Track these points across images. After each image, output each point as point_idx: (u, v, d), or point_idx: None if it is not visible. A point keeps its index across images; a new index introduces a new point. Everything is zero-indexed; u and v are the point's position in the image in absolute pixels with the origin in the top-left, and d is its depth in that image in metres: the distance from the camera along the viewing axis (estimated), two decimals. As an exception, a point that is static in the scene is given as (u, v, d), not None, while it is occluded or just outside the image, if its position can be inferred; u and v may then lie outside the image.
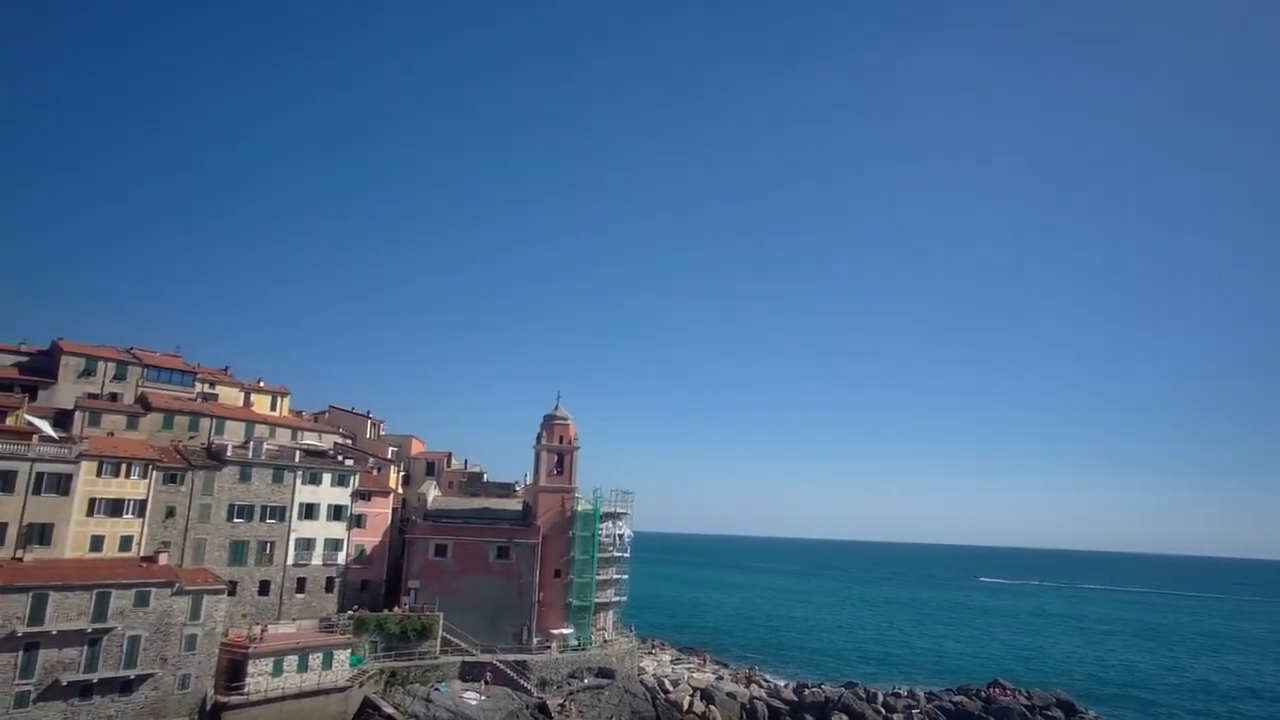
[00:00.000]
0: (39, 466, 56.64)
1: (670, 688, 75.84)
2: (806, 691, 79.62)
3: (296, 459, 72.55)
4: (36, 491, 56.22)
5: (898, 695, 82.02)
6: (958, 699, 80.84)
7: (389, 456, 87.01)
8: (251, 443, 71.10)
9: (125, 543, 59.95)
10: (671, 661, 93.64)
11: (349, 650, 62.24)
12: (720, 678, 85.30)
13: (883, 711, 76.36)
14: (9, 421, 60.79)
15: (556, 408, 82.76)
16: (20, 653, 47.54)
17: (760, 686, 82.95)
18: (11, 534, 55.05)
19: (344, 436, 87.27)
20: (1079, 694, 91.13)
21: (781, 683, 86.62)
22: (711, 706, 72.70)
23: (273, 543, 69.12)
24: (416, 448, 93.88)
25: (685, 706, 72.07)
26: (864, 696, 79.07)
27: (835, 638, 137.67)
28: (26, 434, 58.52)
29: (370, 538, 75.64)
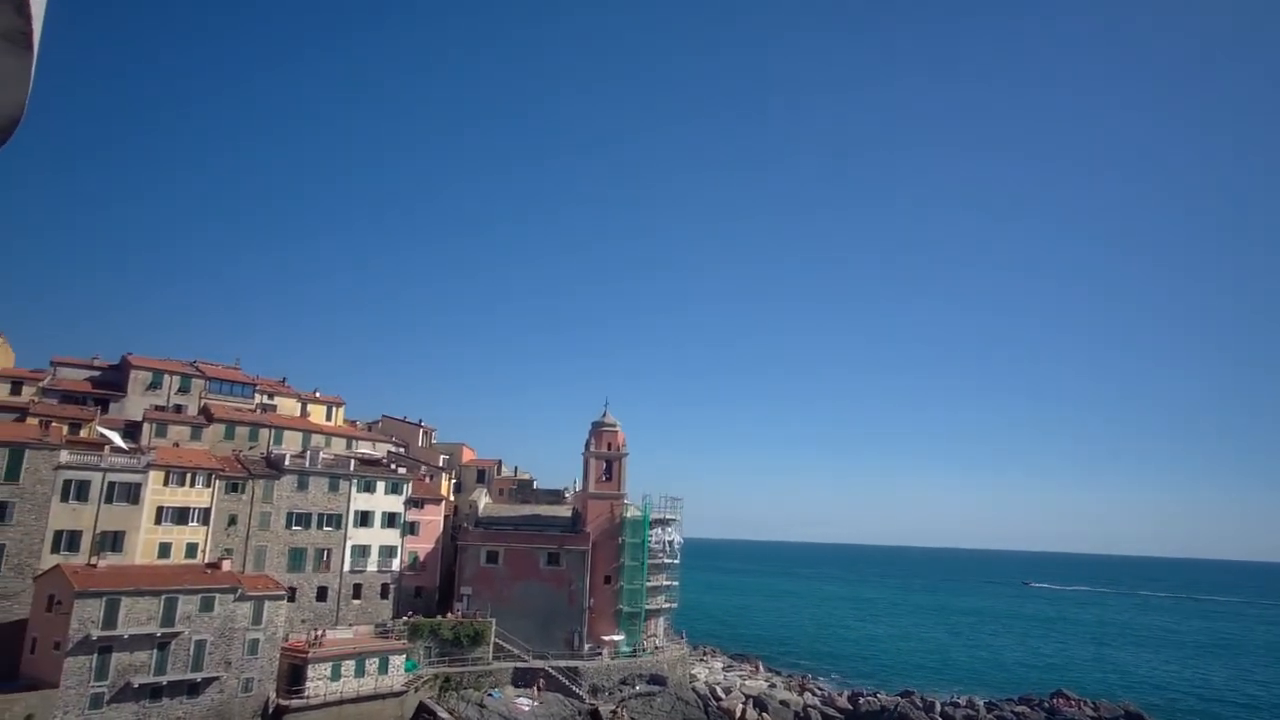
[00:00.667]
0: (111, 476, 59.02)
1: (722, 695, 75.33)
2: (861, 700, 78.28)
3: (352, 468, 74.18)
4: (109, 500, 58.56)
5: (956, 705, 79.98)
6: (1019, 709, 78.58)
7: (440, 464, 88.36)
8: (308, 452, 72.94)
9: (191, 550, 62.01)
10: (723, 669, 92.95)
11: (404, 655, 63.26)
12: (773, 685, 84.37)
13: (941, 721, 74.60)
14: (82, 434, 63.44)
15: (605, 415, 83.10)
16: (95, 655, 49.49)
17: (814, 695, 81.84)
18: (86, 541, 57.41)
19: (397, 445, 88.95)
20: (1147, 707, 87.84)
21: (835, 691, 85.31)
22: (764, 714, 72.00)
23: (330, 550, 70.71)
24: (467, 455, 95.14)
25: (738, 714, 71.49)
26: (921, 705, 77.27)
27: (888, 646, 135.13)
28: (99, 445, 60.99)
29: (423, 545, 76.85)
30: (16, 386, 68.00)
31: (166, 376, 75.10)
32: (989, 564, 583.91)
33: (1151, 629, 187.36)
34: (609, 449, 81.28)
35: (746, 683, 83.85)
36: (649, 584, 78.53)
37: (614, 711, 66.23)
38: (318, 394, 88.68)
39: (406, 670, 62.94)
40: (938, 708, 77.45)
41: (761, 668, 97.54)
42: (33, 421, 61.19)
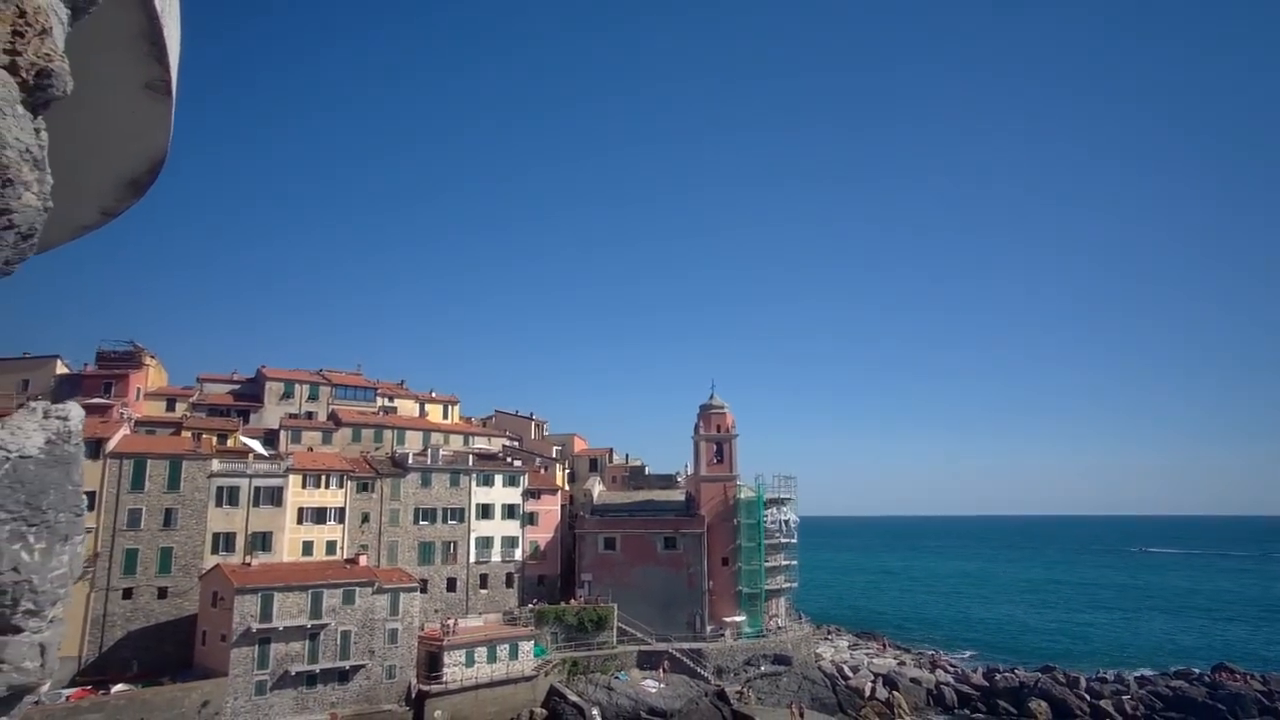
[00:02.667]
0: (256, 481, 63.63)
1: (850, 674, 74.10)
2: (998, 676, 75.21)
3: (470, 463, 77.05)
4: (256, 504, 63.18)
5: (1103, 680, 75.66)
6: (1176, 684, 73.51)
7: (554, 455, 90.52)
8: (429, 450, 76.25)
9: (330, 547, 66.12)
10: (849, 647, 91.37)
11: (532, 641, 65.37)
12: (902, 663, 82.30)
13: (1087, 697, 70.63)
14: (229, 443, 68.58)
15: (712, 397, 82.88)
16: (256, 646, 53.63)
17: (946, 671, 79.31)
18: (239, 542, 62.20)
19: (511, 439, 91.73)
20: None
21: (969, 668, 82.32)
22: (895, 693, 70.32)
23: (455, 542, 73.80)
24: (579, 445, 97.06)
25: (867, 693, 70.15)
26: (1064, 681, 73.42)
27: (1020, 620, 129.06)
28: (244, 453, 65.80)
29: (543, 534, 79.06)
30: (171, 403, 74.18)
31: (297, 386, 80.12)
32: (1099, 530, 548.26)
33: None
34: (718, 431, 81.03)
35: (874, 661, 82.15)
36: (767, 564, 77.99)
37: (740, 692, 66.31)
38: (434, 394, 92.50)
39: (536, 655, 65.03)
40: (1083, 684, 73.42)
41: (888, 645, 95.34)
42: (186, 435, 66.65)
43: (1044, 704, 69.26)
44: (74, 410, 2.23)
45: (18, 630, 2.03)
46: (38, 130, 2.41)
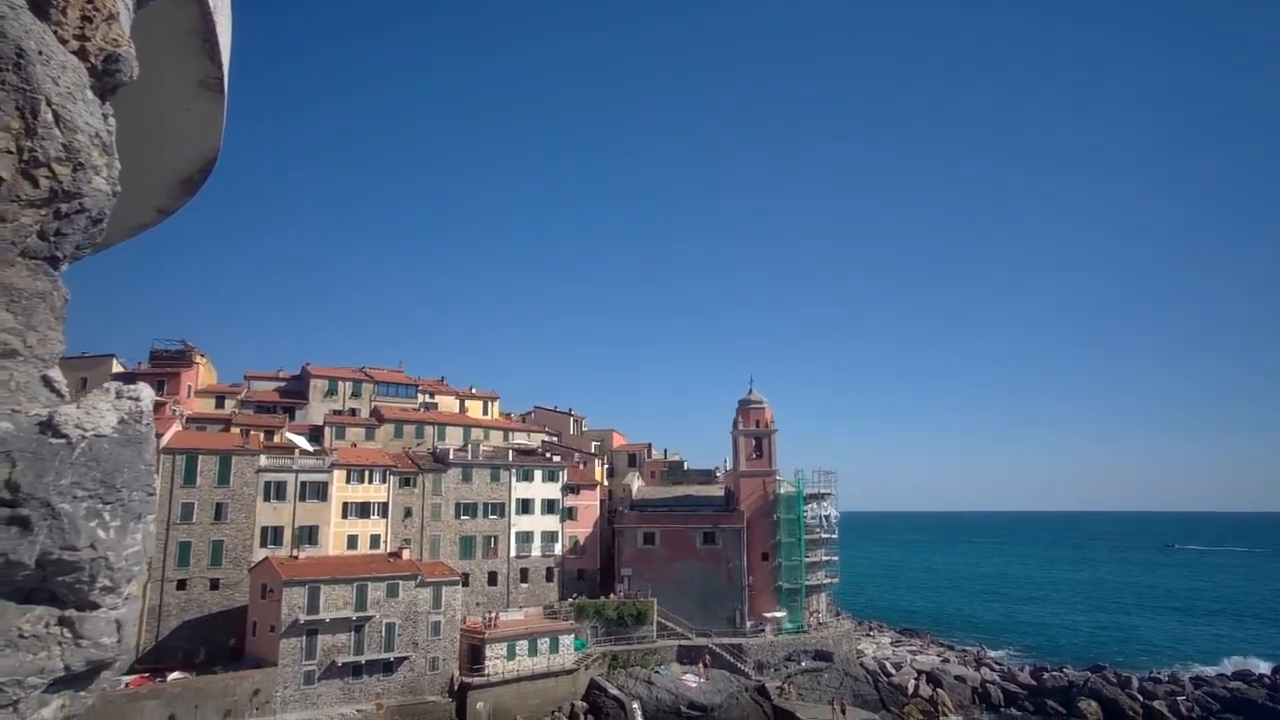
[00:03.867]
0: (302, 476, 64.97)
1: (892, 671, 73.20)
2: (1046, 675, 73.61)
3: (510, 458, 77.73)
4: (302, 498, 64.52)
5: (1157, 680, 73.57)
6: (1234, 685, 71.23)
7: (592, 451, 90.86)
8: (470, 445, 77.09)
9: (374, 540, 67.25)
10: (891, 644, 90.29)
11: (573, 635, 65.76)
12: (946, 660, 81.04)
13: (1140, 698, 68.73)
14: (275, 439, 70.11)
15: (750, 392, 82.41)
16: (304, 637, 54.81)
17: (991, 669, 77.90)
18: (287, 536, 63.59)
19: (550, 434, 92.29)
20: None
21: (1015, 666, 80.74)
22: (939, 690, 69.27)
23: (496, 536, 74.53)
24: (617, 441, 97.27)
25: (910, 690, 69.21)
26: (1115, 681, 71.54)
27: (1066, 619, 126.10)
28: (290, 449, 67.21)
29: (582, 529, 79.45)
30: (220, 401, 76.08)
31: (340, 383, 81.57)
32: (1129, 526, 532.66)
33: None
34: (757, 426, 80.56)
35: (917, 658, 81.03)
36: (807, 560, 77.39)
37: (781, 688, 65.94)
38: (473, 390, 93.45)
39: (576, 649, 65.40)
40: (1135, 684, 71.43)
41: (931, 642, 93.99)
42: (235, 431, 68.30)
43: (1094, 704, 67.61)
44: (145, 391, 2.26)
45: (95, 606, 2.06)
46: (106, 116, 2.44)
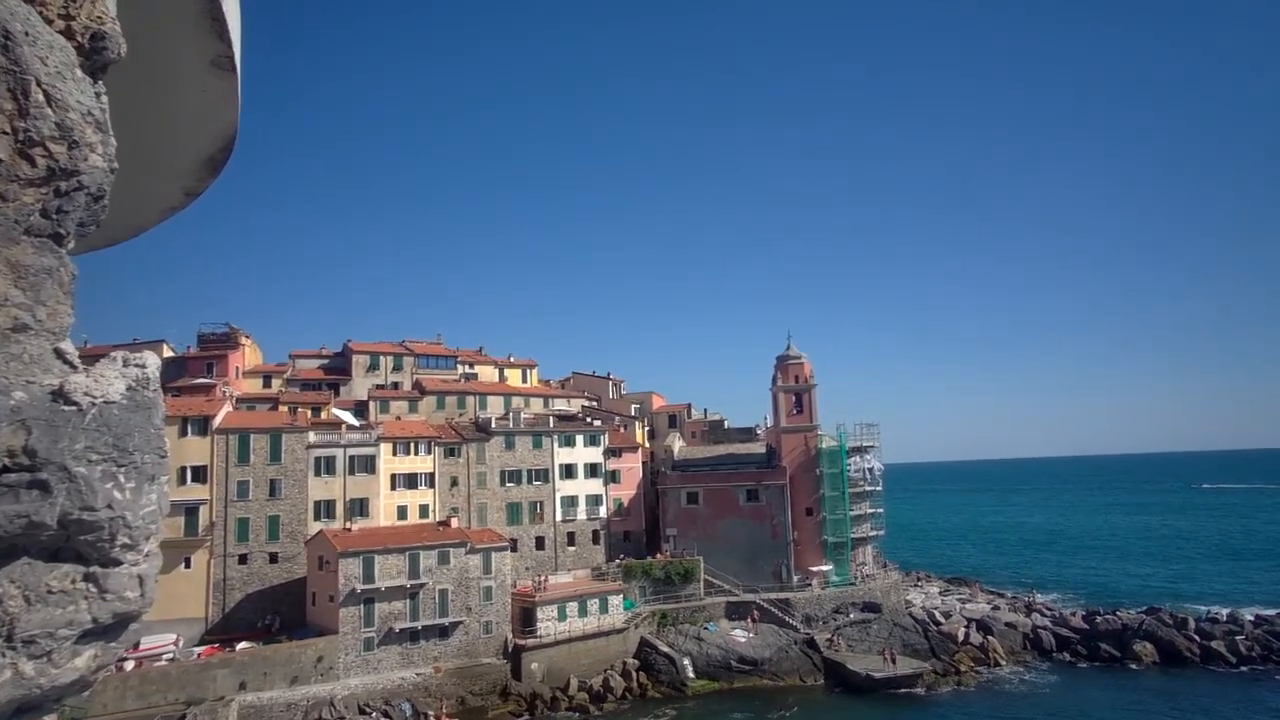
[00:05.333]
0: (350, 451, 66.62)
1: (941, 619, 73.19)
2: (1099, 619, 72.93)
3: (551, 424, 78.62)
4: (351, 472, 66.25)
5: (1215, 620, 72.35)
6: (1295, 623, 69.78)
7: (632, 414, 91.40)
8: (511, 414, 78.11)
9: (423, 510, 68.90)
10: (940, 593, 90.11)
11: (621, 595, 66.91)
12: (996, 608, 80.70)
13: (1197, 639, 67.84)
14: (322, 415, 71.83)
15: (789, 347, 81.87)
16: (361, 606, 56.71)
17: (1043, 615, 77.40)
18: (339, 509, 65.48)
19: (589, 399, 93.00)
20: None
21: (1067, 610, 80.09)
22: (989, 638, 69.21)
23: (541, 502, 75.76)
24: (657, 403, 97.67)
25: (960, 638, 69.24)
26: (1171, 623, 70.60)
27: (1117, 564, 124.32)
28: (336, 425, 68.83)
29: (626, 491, 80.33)
30: (267, 380, 78.06)
31: (382, 358, 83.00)
32: (1155, 467, 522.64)
33: None
34: (796, 381, 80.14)
35: (966, 606, 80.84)
36: (852, 513, 77.33)
37: (830, 640, 66.51)
38: (511, 359, 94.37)
39: (625, 609, 66.58)
40: (1191, 625, 70.38)
41: (980, 590, 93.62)
42: (283, 409, 70.12)
43: (1149, 645, 66.98)
44: (151, 359, 2.34)
45: (118, 563, 2.17)
46: (98, 94, 2.49)
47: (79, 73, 2.37)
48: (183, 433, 61.25)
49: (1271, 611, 76.25)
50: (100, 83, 2.54)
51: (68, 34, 2.36)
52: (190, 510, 60.64)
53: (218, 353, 74.37)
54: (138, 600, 2.15)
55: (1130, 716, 55.42)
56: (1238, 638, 67.54)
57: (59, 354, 2.19)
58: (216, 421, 62.81)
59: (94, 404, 2.07)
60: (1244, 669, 64.42)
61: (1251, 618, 73.24)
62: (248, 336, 79.36)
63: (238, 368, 75.55)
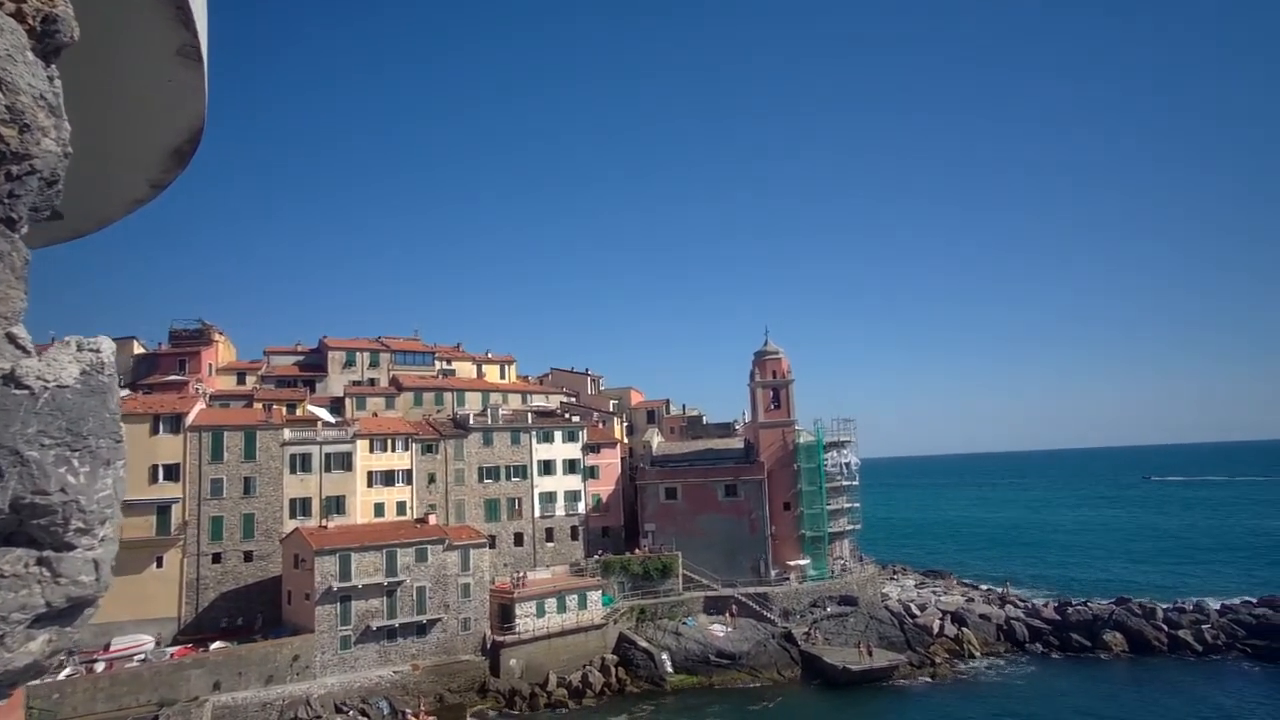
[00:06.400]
0: (326, 448, 66.02)
1: (917, 612, 74.07)
2: (1071, 610, 74.17)
3: (530, 421, 78.43)
4: (328, 469, 65.65)
5: (1182, 610, 73.87)
6: (1260, 612, 71.39)
7: (611, 409, 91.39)
8: (489, 410, 77.84)
9: (401, 507, 68.46)
10: (915, 586, 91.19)
11: (600, 591, 67.00)
12: (970, 600, 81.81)
13: (1165, 628, 69.27)
14: (297, 412, 71.09)
15: (766, 343, 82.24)
16: (338, 604, 56.30)
17: (1016, 607, 78.55)
18: (315, 506, 64.88)
19: (568, 395, 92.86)
20: None
21: (1040, 601, 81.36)
22: (964, 629, 70.19)
23: (520, 498, 75.59)
24: (635, 398, 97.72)
25: (936, 630, 70.15)
26: (1140, 612, 71.99)
27: (1089, 556, 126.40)
28: (312, 422, 68.17)
29: (604, 487, 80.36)
30: (241, 377, 77.09)
31: (358, 354, 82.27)
32: (1105, 461, 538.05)
33: None
34: (774, 377, 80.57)
35: (942, 598, 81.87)
36: (829, 507, 77.96)
37: (807, 633, 67.05)
38: (490, 355, 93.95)
39: (604, 604, 66.68)
40: (1159, 614, 71.84)
41: (956, 582, 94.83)
42: (258, 406, 69.29)
43: (1119, 635, 68.28)
44: (105, 343, 2.33)
45: (71, 547, 2.17)
46: (51, 78, 2.47)
47: (30, 56, 2.36)
48: (154, 430, 60.36)
49: (1236, 600, 77.96)
50: (54, 66, 2.53)
51: (18, 16, 2.35)
52: (162, 509, 59.79)
53: (190, 349, 73.32)
54: (93, 585, 2.15)
55: (1100, 706, 56.37)
56: (1203, 626, 69.07)
57: (10, 338, 2.18)
58: (189, 419, 61.96)
59: (46, 388, 2.06)
60: (1212, 657, 65.88)
61: (1217, 607, 74.91)
62: (221, 333, 78.31)
63: (211, 364, 74.55)
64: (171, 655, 53.57)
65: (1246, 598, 79.37)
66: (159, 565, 59.45)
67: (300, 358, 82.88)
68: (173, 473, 60.66)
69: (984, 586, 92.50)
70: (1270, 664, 64.05)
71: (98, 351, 2.24)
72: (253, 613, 60.70)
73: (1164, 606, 74.67)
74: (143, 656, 53.12)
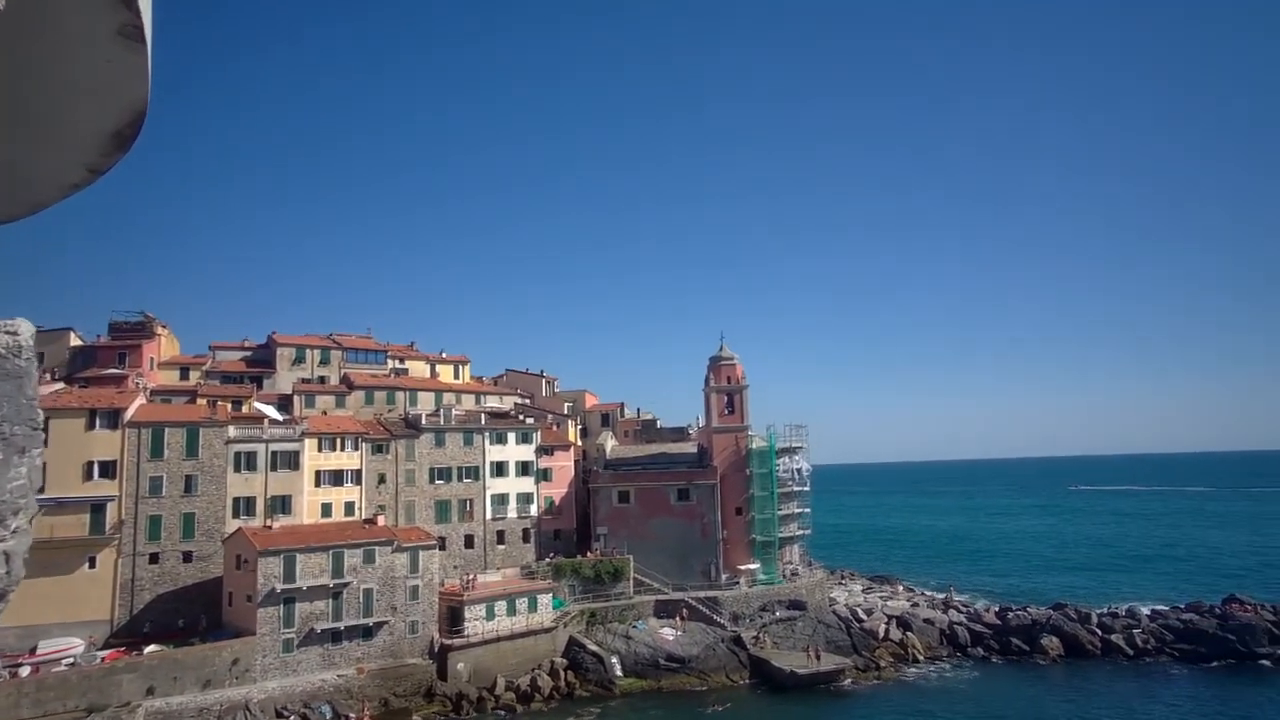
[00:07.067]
0: (273, 446, 64.48)
1: (864, 616, 75.23)
2: (1011, 615, 76.16)
3: (483, 422, 77.67)
4: (274, 468, 64.10)
5: (1115, 615, 76.46)
6: (1187, 617, 74.22)
7: (565, 412, 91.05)
8: (442, 410, 76.89)
9: (349, 508, 67.19)
10: (863, 591, 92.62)
11: (551, 594, 66.59)
12: (915, 605, 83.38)
13: (1099, 632, 71.58)
14: (243, 409, 69.32)
15: (722, 349, 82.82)
16: (281, 606, 54.96)
17: (959, 612, 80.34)
18: (259, 506, 63.29)
19: (522, 397, 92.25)
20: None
21: (981, 606, 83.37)
22: (909, 633, 71.50)
23: (471, 500, 74.79)
24: (590, 401, 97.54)
25: (881, 635, 71.32)
26: (1076, 617, 74.30)
27: (1030, 561, 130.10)
28: (259, 419, 66.52)
29: (557, 489, 79.98)
30: (184, 372, 74.89)
31: (308, 351, 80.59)
32: (1030, 471, 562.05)
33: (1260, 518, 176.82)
34: (729, 382, 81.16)
35: (888, 603, 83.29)
36: (780, 513, 78.77)
37: (756, 637, 67.57)
38: (444, 354, 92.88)
39: (555, 608, 66.29)
40: (1094, 619, 74.28)
41: (902, 588, 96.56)
42: (202, 402, 67.40)
43: (1056, 640, 70.24)
44: (24, 326, 2.25)
45: (-19, 538, 2.08)
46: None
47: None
48: (91, 426, 58.25)
49: (1165, 607, 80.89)
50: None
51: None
52: (97, 507, 57.71)
53: (131, 342, 70.97)
54: (3, 578, 2.06)
55: (1035, 708, 57.96)
56: (1135, 631, 71.56)
57: (-78, 321, 2.09)
58: (128, 414, 59.92)
59: (-43, 372, 1.98)
60: (1143, 661, 68.28)
61: (1148, 612, 77.65)
62: (164, 326, 75.97)
63: (153, 358, 72.25)
64: (103, 659, 51.68)
65: (1175, 603, 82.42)
66: (91, 566, 57.35)
67: (248, 353, 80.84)
68: (109, 470, 58.60)
69: (928, 592, 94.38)
70: (1195, 666, 66.74)
71: (15, 334, 2.16)
72: (192, 615, 58.92)
73: (1098, 612, 77.20)
74: (71, 660, 51.12)
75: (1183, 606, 79.64)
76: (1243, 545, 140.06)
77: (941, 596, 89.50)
